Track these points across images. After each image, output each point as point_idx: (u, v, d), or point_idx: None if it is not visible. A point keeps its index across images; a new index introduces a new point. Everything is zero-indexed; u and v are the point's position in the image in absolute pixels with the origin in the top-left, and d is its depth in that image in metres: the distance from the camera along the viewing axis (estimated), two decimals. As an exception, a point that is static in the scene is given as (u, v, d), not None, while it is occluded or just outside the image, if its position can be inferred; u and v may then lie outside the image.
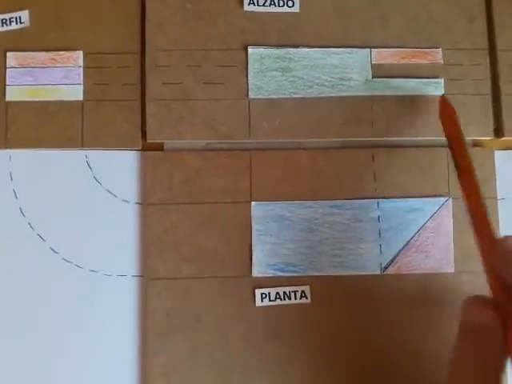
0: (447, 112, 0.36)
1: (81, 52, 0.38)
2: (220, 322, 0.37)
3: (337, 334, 0.37)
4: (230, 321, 0.37)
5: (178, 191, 0.38)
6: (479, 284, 0.38)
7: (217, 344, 0.37)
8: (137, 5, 0.39)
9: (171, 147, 0.39)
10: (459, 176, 0.33)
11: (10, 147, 0.38)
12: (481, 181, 0.38)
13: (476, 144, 0.40)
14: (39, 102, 0.38)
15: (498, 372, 0.27)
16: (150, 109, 0.38)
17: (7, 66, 0.38)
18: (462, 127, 0.39)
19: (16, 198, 0.38)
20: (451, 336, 0.37)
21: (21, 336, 0.37)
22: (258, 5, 0.39)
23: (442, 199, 0.39)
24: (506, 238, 0.29)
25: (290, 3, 0.39)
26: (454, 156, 0.34)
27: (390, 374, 0.37)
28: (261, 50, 0.39)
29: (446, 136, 0.36)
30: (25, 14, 0.39)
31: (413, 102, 0.39)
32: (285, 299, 0.37)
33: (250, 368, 0.37)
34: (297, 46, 0.39)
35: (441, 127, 0.37)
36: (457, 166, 0.34)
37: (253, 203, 0.38)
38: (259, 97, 0.39)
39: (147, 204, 0.38)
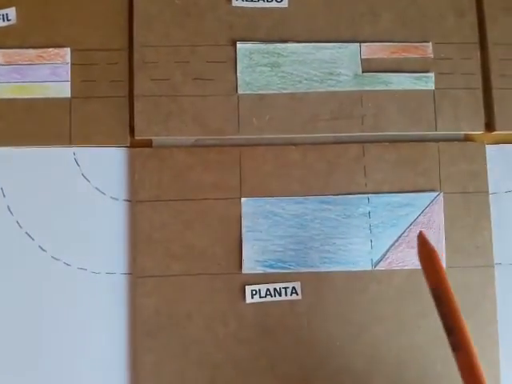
0: (427, 254, 0.30)
1: (68, 49, 0.38)
2: (210, 319, 0.37)
3: (328, 331, 0.37)
4: (220, 318, 0.37)
5: (166, 188, 0.38)
6: (470, 279, 0.38)
7: (207, 342, 0.37)
8: (124, 1, 0.39)
9: (160, 144, 0.38)
10: (450, 338, 0.28)
11: (-3, 145, 0.38)
12: (472, 175, 0.39)
13: (467, 138, 0.40)
14: (26, 99, 0.38)
15: None
16: (138, 105, 0.38)
17: (-6, 63, 0.38)
18: (453, 122, 0.39)
19: (4, 196, 0.38)
20: (442, 331, 0.37)
21: (9, 334, 0.36)
22: (246, 0, 0.39)
23: (433, 194, 0.38)
24: None
25: (279, -2, 0.39)
26: (441, 312, 0.29)
27: (381, 369, 0.37)
28: (249, 45, 0.39)
29: (429, 285, 0.30)
30: (12, 11, 0.38)
31: (403, 97, 0.39)
32: (275, 296, 0.37)
33: (240, 365, 0.36)
34: (286, 42, 0.39)
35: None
36: (447, 326, 0.28)
37: (242, 199, 0.38)
38: (248, 92, 0.38)
39: (136, 201, 0.37)
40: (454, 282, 0.37)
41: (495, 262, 0.38)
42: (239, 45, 0.38)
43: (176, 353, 0.36)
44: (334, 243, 0.38)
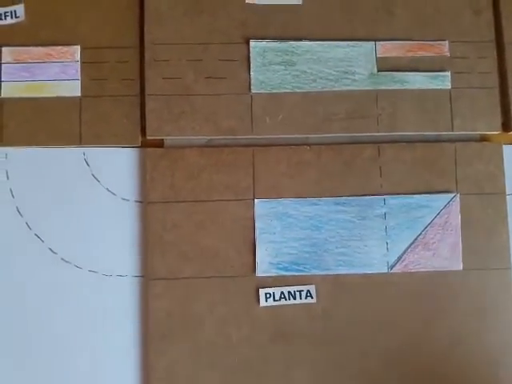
0: None
1: (78, 46, 0.38)
2: (223, 322, 0.36)
3: (343, 334, 0.36)
4: (233, 321, 0.36)
5: (179, 189, 0.37)
6: (488, 281, 0.37)
7: (219, 345, 0.36)
8: (135, -3, 0.38)
9: (171, 144, 0.38)
10: None
11: (6, 145, 0.37)
12: (489, 176, 0.38)
13: (484, 139, 0.39)
14: (36, 98, 0.37)
15: None
16: (149, 104, 0.37)
17: (2, 61, 0.37)
18: (469, 122, 0.38)
19: (13, 197, 0.37)
20: (459, 333, 0.37)
21: (19, 337, 0.36)
22: (259, -3, 0.38)
23: (450, 195, 0.38)
24: None
25: (293, -5, 0.38)
26: None
27: (397, 372, 0.36)
28: (263, 43, 0.38)
29: None
30: (20, 8, 0.38)
31: (419, 96, 0.38)
32: (289, 299, 0.36)
33: (253, 370, 0.36)
34: (300, 39, 0.38)
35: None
36: None
37: (256, 201, 0.37)
38: (262, 91, 0.38)
39: (148, 202, 0.37)
40: (470, 285, 0.37)
41: (512, 264, 0.38)
42: (252, 43, 0.38)
43: (188, 357, 0.36)
44: (350, 245, 0.37)
